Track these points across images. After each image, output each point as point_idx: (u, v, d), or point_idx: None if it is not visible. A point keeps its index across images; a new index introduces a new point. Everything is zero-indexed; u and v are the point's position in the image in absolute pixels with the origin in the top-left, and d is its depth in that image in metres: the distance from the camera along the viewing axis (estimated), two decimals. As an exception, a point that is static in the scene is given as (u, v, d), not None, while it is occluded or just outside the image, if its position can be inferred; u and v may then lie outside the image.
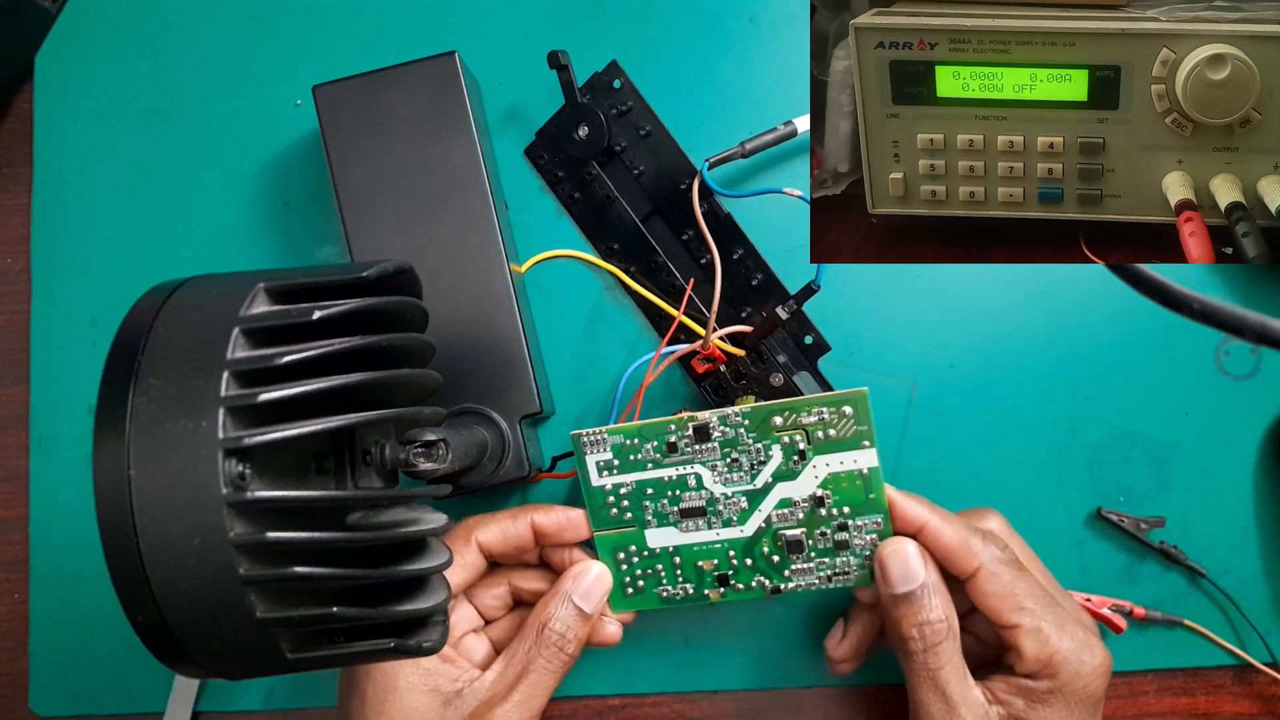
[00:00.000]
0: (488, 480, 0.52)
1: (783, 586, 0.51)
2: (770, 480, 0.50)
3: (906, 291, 0.58)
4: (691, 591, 0.52)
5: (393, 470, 0.40)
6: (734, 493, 0.50)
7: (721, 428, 0.49)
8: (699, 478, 0.50)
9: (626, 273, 0.58)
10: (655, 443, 0.50)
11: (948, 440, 0.57)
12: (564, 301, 0.59)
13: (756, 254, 0.57)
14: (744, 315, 0.57)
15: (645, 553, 0.51)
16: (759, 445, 0.49)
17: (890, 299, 0.58)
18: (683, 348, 0.54)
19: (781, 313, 0.52)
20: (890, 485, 0.49)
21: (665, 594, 0.52)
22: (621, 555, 0.52)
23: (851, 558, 0.50)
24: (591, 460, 0.51)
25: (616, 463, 0.50)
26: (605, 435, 0.50)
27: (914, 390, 0.57)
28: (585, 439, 0.50)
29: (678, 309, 0.55)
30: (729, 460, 0.50)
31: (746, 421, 0.49)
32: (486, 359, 0.53)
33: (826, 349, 0.56)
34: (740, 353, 0.54)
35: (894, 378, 0.57)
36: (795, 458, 0.49)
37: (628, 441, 0.50)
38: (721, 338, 0.54)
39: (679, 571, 0.52)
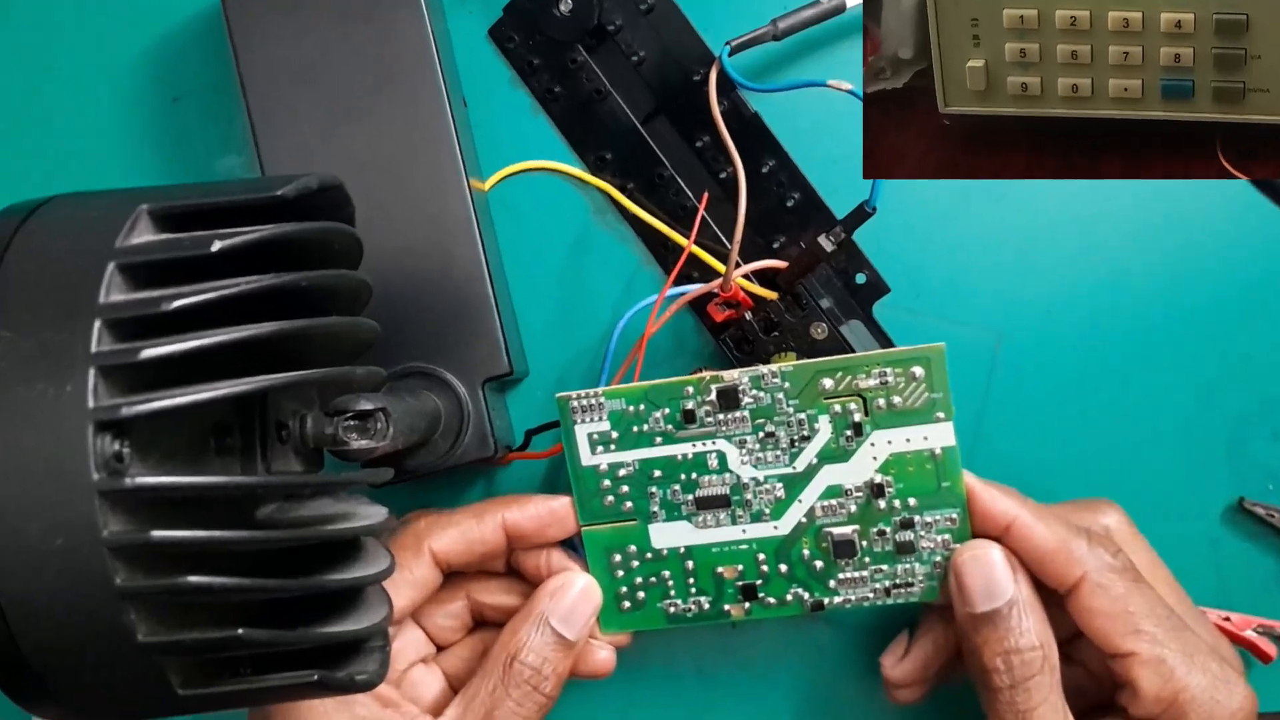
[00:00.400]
0: (441, 462, 0.52)
1: (827, 601, 0.51)
2: (815, 461, 0.50)
3: (989, 215, 0.57)
4: (707, 607, 0.52)
5: (316, 449, 0.40)
6: (767, 477, 0.50)
7: (754, 392, 0.50)
8: (722, 457, 0.50)
9: (622, 190, 0.58)
10: (667, 410, 0.50)
11: (1042, 410, 0.57)
12: (540, 228, 0.59)
13: (792, 166, 0.57)
14: (776, 246, 0.57)
15: (648, 555, 0.52)
16: (802, 416, 0.50)
17: (967, 225, 0.57)
18: (695, 288, 0.53)
19: (825, 243, 0.52)
20: (969, 472, 0.49)
21: (673, 610, 0.52)
22: (618, 557, 0.52)
23: (917, 564, 0.50)
24: (582, 432, 0.51)
25: (615, 435, 0.51)
26: (601, 399, 0.51)
27: (998, 345, 0.57)
28: (575, 403, 0.51)
29: (688, 237, 0.54)
30: (762, 435, 0.50)
31: (787, 384, 0.49)
32: (439, 304, 0.53)
33: (884, 290, 0.57)
34: (772, 296, 0.54)
35: (972, 328, 0.57)
36: (848, 433, 0.49)
37: (630, 408, 0.50)
38: (747, 276, 0.54)
39: (692, 580, 0.52)
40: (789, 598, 0.51)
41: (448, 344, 0.53)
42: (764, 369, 0.49)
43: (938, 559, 0.50)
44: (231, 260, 0.33)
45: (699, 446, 0.50)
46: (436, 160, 0.54)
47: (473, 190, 0.54)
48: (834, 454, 0.50)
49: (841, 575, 0.51)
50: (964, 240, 0.58)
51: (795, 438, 0.50)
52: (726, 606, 0.52)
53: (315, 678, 0.34)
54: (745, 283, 0.54)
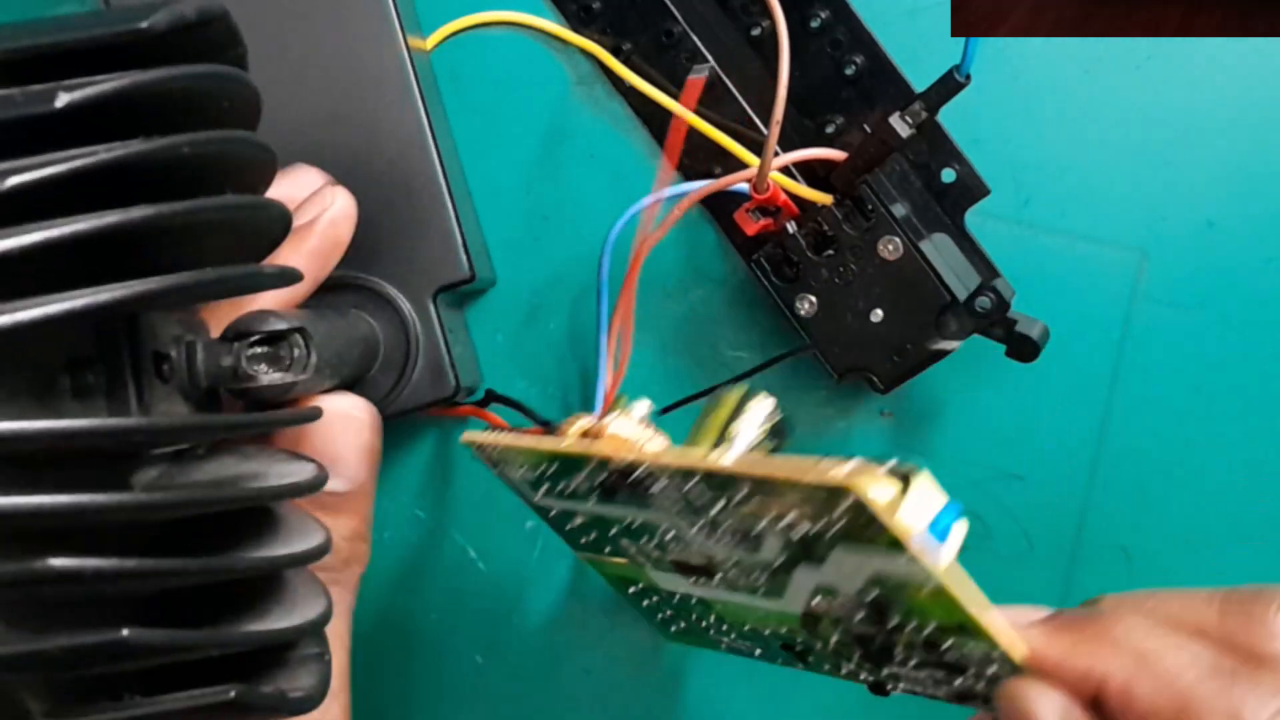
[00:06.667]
0: (383, 407, 0.52)
1: (890, 687, 0.50)
2: (784, 560, 0.45)
3: (1128, 88, 0.57)
4: (760, 653, 0.53)
5: (210, 390, 0.40)
6: (739, 560, 0.46)
7: (663, 482, 0.45)
8: (675, 530, 0.47)
9: (616, 54, 0.59)
10: (583, 479, 0.47)
11: (1205, 363, 0.57)
12: (501, 107, 0.60)
13: (854, 18, 0.57)
14: (831, 131, 0.58)
15: (665, 592, 0.52)
16: (731, 520, 0.45)
17: (1099, 102, 0.57)
18: (712, 183, 0.53)
19: (899, 126, 0.52)
20: (1000, 612, 0.43)
21: (725, 644, 0.54)
22: (633, 589, 0.53)
23: (973, 681, 0.46)
24: (513, 474, 0.49)
25: (546, 487, 0.49)
26: (504, 454, 0.49)
27: (1142, 270, 0.57)
28: (483, 452, 0.49)
29: (704, 116, 0.54)
30: (702, 527, 0.46)
31: (693, 484, 0.44)
32: (370, 188, 0.53)
33: (981, 193, 0.56)
34: (826, 200, 0.54)
35: (1105, 246, 0.57)
36: (799, 549, 0.44)
37: (542, 468, 0.48)
38: (789, 171, 0.54)
39: (727, 625, 0.52)
40: (844, 672, 0.50)
41: (384, 244, 0.54)
42: (640, 468, 0.44)
43: (994, 670, 0.45)
44: (83, 121, 0.32)
45: (642, 515, 0.47)
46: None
47: (411, 50, 0.55)
48: (802, 558, 0.44)
49: (889, 670, 0.48)
50: (1093, 124, 0.57)
51: (742, 532, 0.44)
52: (781, 661, 0.52)
53: (232, 695, 0.34)
54: (787, 181, 0.54)
